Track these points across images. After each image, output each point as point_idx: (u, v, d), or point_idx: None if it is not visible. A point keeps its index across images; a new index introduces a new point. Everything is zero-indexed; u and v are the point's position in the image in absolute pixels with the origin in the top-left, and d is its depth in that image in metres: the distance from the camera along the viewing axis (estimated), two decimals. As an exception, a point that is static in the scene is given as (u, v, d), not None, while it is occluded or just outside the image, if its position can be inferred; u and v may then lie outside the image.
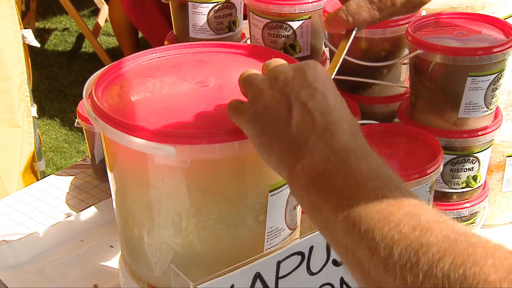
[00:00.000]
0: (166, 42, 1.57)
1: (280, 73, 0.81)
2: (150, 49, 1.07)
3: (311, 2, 1.35)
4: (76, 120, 1.51)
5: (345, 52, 1.00)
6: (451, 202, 1.26)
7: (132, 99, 0.96)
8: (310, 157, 0.75)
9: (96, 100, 0.92)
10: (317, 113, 0.77)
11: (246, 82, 0.85)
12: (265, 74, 0.84)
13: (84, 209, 1.42)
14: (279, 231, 0.96)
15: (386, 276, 0.62)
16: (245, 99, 0.85)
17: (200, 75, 1.01)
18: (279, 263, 0.88)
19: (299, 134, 0.77)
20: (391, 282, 0.61)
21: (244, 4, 1.45)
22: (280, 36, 1.37)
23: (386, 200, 0.67)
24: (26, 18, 4.05)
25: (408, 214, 0.64)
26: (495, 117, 1.25)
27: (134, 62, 1.05)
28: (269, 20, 1.37)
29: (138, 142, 0.86)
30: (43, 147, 3.21)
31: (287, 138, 0.78)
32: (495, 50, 1.16)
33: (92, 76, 0.99)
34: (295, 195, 0.78)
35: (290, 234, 0.99)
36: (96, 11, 4.52)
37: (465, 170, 1.23)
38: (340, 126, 0.76)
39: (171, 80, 1.00)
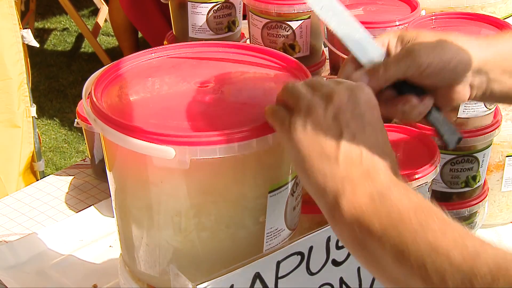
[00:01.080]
0: (165, 42, 1.57)
1: (334, 94, 0.81)
2: (149, 49, 1.07)
3: (311, 2, 1.35)
4: (76, 120, 1.52)
5: None
6: (450, 202, 1.26)
7: (131, 99, 0.96)
8: (353, 193, 0.76)
9: (95, 100, 0.92)
10: (365, 148, 0.78)
11: (294, 91, 0.84)
12: (317, 87, 0.83)
13: (84, 209, 1.42)
14: (279, 231, 0.96)
15: None
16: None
17: (199, 75, 1.01)
18: (278, 263, 0.88)
19: (346, 166, 0.78)
20: None
21: (244, 4, 1.45)
22: (280, 36, 1.37)
23: (431, 231, 0.70)
24: (25, 18, 4.05)
25: (455, 241, 0.68)
26: (495, 117, 1.25)
27: (133, 62, 1.05)
28: (268, 20, 1.37)
29: (137, 143, 0.86)
30: (43, 147, 3.21)
31: (333, 167, 0.78)
32: (494, 50, 1.16)
33: (91, 76, 0.98)
34: (335, 229, 0.79)
35: (290, 235, 0.99)
36: (95, 11, 4.52)
37: (464, 170, 1.23)
38: (384, 164, 0.78)
39: (170, 80, 1.00)
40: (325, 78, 0.97)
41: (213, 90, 0.97)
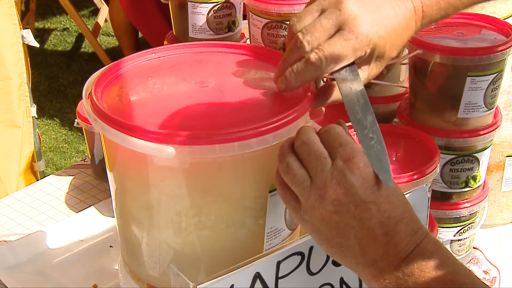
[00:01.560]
0: (165, 42, 1.57)
1: (328, 187, 0.81)
2: (150, 49, 1.07)
3: (311, 2, 1.35)
4: (76, 120, 1.52)
5: None
6: (450, 202, 1.26)
7: (131, 99, 0.96)
8: (382, 277, 0.81)
9: (95, 100, 0.92)
10: (377, 228, 0.81)
11: (290, 175, 0.84)
12: (310, 171, 0.82)
13: (84, 209, 1.42)
14: (279, 231, 0.96)
15: None
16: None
17: (199, 75, 1.01)
18: (279, 263, 0.88)
19: (365, 253, 0.82)
20: None
21: (244, 4, 1.45)
22: (280, 36, 1.37)
23: None
24: (25, 18, 4.05)
25: None
26: (495, 117, 1.25)
27: (133, 62, 1.05)
28: (268, 20, 1.37)
29: (138, 143, 0.86)
30: (43, 147, 3.21)
31: (356, 255, 0.82)
32: (494, 50, 1.16)
33: (92, 76, 0.99)
34: None
35: (290, 235, 0.99)
36: (96, 11, 4.52)
37: (464, 170, 1.23)
38: (400, 235, 0.81)
39: (170, 80, 1.00)
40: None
41: (213, 90, 0.97)
